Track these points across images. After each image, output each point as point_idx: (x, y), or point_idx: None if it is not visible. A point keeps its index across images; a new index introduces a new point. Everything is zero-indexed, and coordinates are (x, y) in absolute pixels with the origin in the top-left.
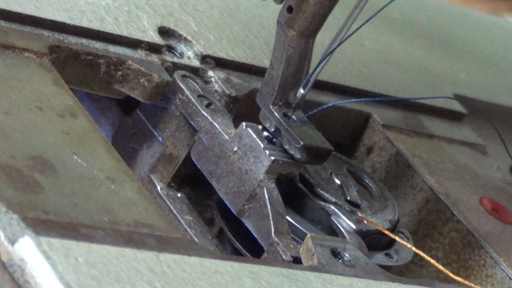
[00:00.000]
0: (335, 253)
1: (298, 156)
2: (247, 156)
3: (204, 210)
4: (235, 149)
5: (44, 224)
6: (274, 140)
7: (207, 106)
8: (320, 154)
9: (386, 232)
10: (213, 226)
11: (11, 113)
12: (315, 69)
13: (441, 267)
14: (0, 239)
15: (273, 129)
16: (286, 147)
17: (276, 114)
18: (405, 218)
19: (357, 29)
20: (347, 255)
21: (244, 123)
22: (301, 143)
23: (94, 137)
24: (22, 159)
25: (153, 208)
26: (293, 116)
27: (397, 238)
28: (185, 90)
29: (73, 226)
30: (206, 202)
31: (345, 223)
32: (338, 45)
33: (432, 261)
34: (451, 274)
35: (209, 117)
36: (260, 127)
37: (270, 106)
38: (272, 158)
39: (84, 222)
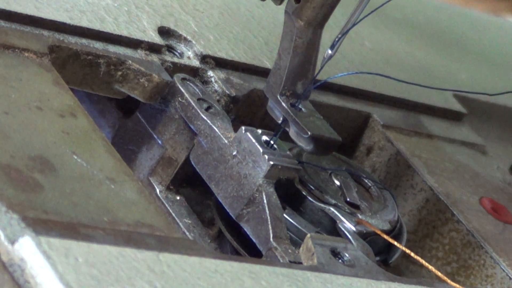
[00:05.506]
0: (335, 253)
1: (306, 146)
2: (246, 161)
3: (204, 210)
4: (234, 153)
5: (44, 224)
6: (273, 144)
7: (207, 109)
8: (327, 144)
9: (385, 236)
10: (213, 226)
11: (11, 113)
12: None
13: (434, 269)
14: (0, 239)
15: (280, 120)
16: (294, 137)
17: (283, 104)
18: (405, 218)
19: (372, 11)
20: (347, 255)
21: (243, 127)
22: (309, 133)
23: (94, 137)
24: (22, 159)
25: (153, 208)
26: (301, 107)
27: (395, 243)
28: (185, 93)
29: (73, 226)
30: (206, 202)
31: (345, 225)
32: (354, 25)
33: (425, 263)
34: (445, 277)
35: (208, 121)
36: (259, 131)
37: (278, 97)
38: (271, 162)
39: (84, 222)
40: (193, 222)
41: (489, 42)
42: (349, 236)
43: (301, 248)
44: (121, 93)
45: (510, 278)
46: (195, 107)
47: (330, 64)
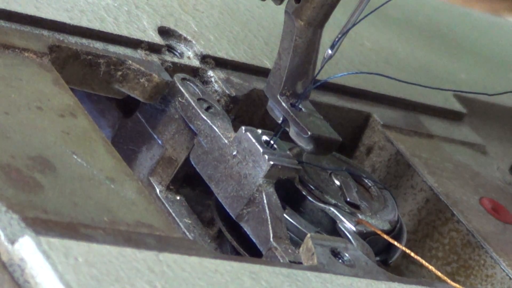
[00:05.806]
0: (335, 253)
1: (306, 146)
2: (246, 160)
3: (204, 210)
4: (234, 153)
5: (44, 224)
6: (273, 144)
7: (207, 109)
8: (327, 144)
9: (385, 236)
10: (213, 226)
11: (11, 113)
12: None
13: (434, 269)
14: (0, 239)
15: (280, 120)
16: (294, 137)
17: (283, 104)
18: (405, 218)
19: (371, 12)
20: (347, 255)
21: (243, 127)
22: (309, 133)
23: (94, 137)
24: (22, 159)
25: (153, 208)
26: (301, 107)
27: (395, 243)
28: (185, 93)
29: (73, 226)
30: (206, 202)
31: (345, 225)
32: (354, 25)
33: (425, 263)
34: (445, 277)
35: (208, 121)
36: (259, 131)
37: (278, 97)
38: (271, 162)
39: (84, 222)
40: (193, 222)
41: (489, 42)
42: (349, 236)
43: (301, 248)
44: (121, 93)
45: (510, 278)
46: (195, 107)
47: (330, 64)
